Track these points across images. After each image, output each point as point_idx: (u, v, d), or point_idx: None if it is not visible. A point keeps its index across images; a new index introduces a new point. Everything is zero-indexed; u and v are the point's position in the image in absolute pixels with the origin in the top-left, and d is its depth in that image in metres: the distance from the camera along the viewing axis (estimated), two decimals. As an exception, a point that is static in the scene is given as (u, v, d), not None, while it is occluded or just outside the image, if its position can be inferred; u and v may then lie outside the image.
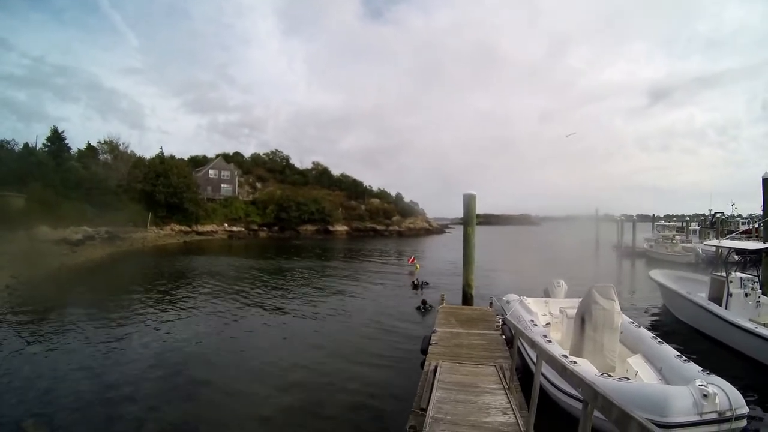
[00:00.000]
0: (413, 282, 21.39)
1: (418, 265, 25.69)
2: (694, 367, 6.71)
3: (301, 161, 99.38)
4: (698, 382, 5.70)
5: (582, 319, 7.96)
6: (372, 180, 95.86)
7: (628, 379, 6.85)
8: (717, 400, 5.44)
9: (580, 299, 8.67)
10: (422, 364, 8.35)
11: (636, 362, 7.79)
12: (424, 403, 6.20)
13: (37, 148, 49.10)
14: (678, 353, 7.47)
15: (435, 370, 7.45)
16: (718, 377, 6.07)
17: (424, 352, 9.02)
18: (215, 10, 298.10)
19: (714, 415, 5.41)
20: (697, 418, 5.40)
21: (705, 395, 5.44)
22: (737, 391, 5.70)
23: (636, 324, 9.34)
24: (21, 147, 47.53)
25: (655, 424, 5.19)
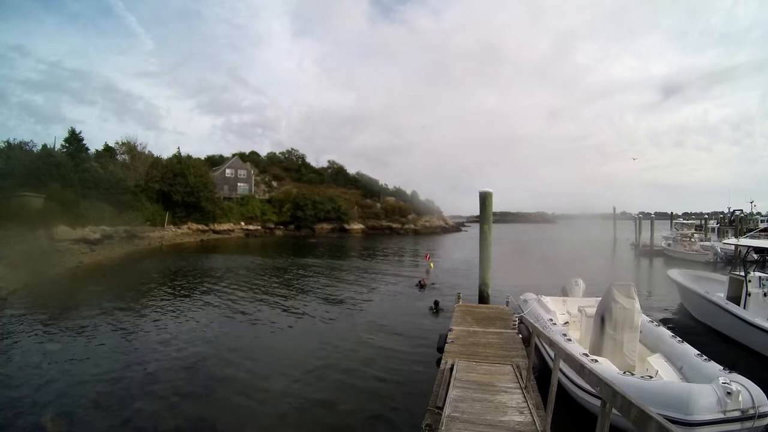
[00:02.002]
0: (419, 281, 21.36)
1: (432, 264, 25.60)
2: (715, 366, 6.63)
3: (317, 160, 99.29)
4: (721, 379, 5.65)
5: (602, 318, 7.90)
6: (384, 178, 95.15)
7: (651, 377, 6.78)
8: (740, 398, 5.39)
9: (599, 298, 8.60)
10: (438, 362, 8.35)
11: (656, 361, 7.70)
12: (440, 402, 6.20)
13: (56, 149, 49.66)
14: (698, 352, 7.38)
15: (451, 369, 7.44)
16: (740, 375, 5.99)
17: (441, 350, 9.03)
18: (227, 11, 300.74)
19: (737, 413, 5.37)
20: (720, 416, 5.36)
21: (729, 393, 5.39)
22: (760, 390, 5.64)
23: (655, 323, 9.23)
24: (39, 148, 48.16)
25: (679, 421, 5.24)
